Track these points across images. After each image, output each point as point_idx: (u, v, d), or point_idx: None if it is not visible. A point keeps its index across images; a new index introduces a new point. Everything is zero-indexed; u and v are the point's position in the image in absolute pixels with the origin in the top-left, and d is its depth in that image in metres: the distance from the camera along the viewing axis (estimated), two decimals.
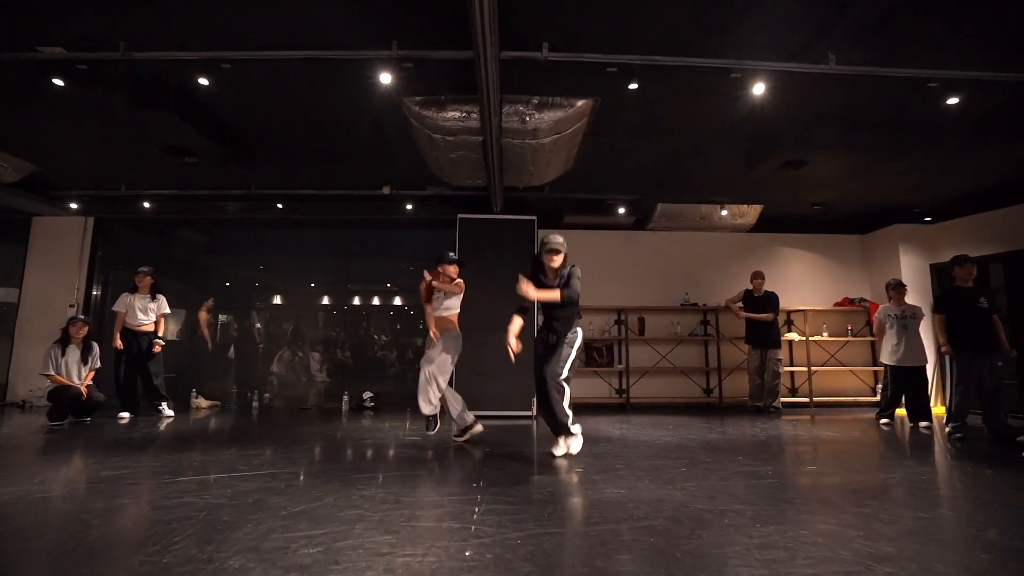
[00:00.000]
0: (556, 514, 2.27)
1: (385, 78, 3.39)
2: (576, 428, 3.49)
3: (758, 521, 2.18)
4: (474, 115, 4.07)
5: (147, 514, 2.22)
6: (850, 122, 4.23)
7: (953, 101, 3.58)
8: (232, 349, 9.08)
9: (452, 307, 4.22)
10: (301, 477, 2.87)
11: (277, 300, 11.91)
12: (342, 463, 3.27)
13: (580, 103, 4.05)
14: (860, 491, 2.69)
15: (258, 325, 8.83)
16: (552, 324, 3.51)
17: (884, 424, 5.17)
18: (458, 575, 1.64)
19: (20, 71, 3.47)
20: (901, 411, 5.30)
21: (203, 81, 3.46)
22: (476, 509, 2.32)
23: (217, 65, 3.29)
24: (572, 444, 3.49)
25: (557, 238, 3.43)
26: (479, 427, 4.10)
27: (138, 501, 2.41)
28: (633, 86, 3.50)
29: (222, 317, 9.53)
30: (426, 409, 4.04)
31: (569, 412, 3.41)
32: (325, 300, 12.90)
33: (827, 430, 4.86)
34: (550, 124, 4.14)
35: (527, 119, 4.08)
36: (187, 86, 3.66)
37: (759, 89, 3.44)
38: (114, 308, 5.43)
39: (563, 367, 3.39)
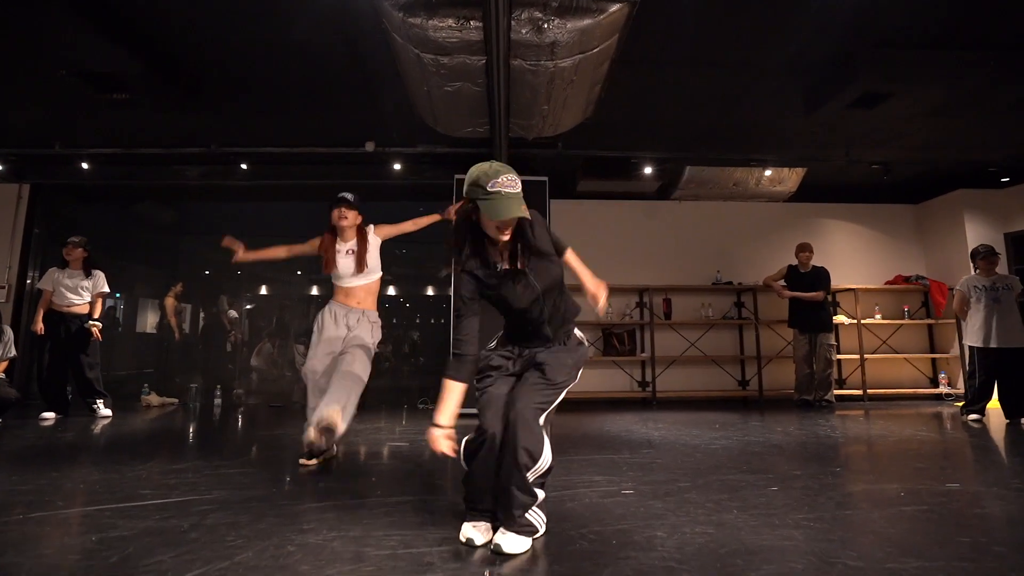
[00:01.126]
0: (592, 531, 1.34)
1: None
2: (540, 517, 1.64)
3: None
4: (474, 23, 3.11)
5: (28, 560, 1.29)
6: (950, 41, 3.32)
7: None
8: (202, 340, 8.15)
9: (375, 271, 2.96)
10: (221, 510, 1.93)
11: (263, 291, 10.96)
12: (294, 481, 2.35)
13: (613, 7, 3.09)
14: (961, 525, 1.77)
15: (232, 313, 7.88)
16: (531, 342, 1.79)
17: (973, 421, 4.26)
18: None
19: None
20: (994, 404, 4.38)
21: None
22: (489, 565, 1.39)
23: None
24: (512, 541, 1.51)
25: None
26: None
27: (25, 539, 1.48)
28: None
29: (187, 304, 8.59)
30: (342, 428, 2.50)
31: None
32: (314, 291, 11.96)
33: (909, 427, 3.95)
34: (573, 36, 3.18)
35: (544, 27, 3.12)
36: None
37: None
38: (39, 286, 4.50)
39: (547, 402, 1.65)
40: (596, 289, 1.83)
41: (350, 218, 2.91)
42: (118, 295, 7.17)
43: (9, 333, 4.20)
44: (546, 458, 1.61)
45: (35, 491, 2.15)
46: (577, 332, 1.88)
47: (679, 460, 2.80)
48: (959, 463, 2.85)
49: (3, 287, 5.49)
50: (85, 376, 4.41)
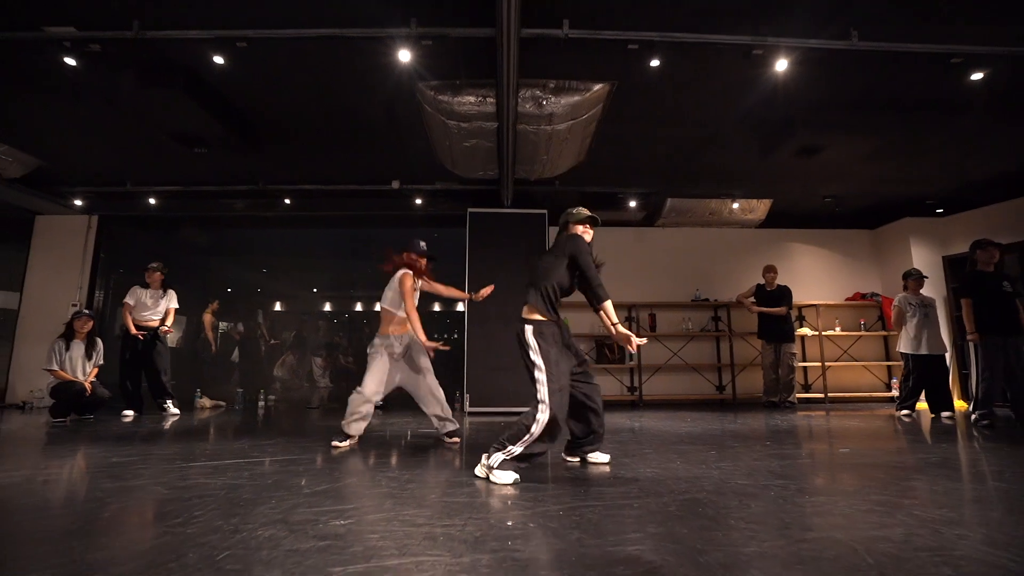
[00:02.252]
0: (593, 490, 2.17)
1: (404, 56, 3.32)
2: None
3: (804, 493, 2.08)
4: (490, 99, 4.01)
5: (163, 493, 2.11)
6: (868, 103, 4.18)
7: (977, 77, 3.54)
8: (236, 352, 8.97)
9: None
10: (319, 462, 2.75)
11: (278, 307, 11.81)
12: (358, 451, 3.16)
13: (597, 87, 4.00)
14: (903, 468, 2.59)
15: (262, 322, 8.71)
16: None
17: (905, 415, 5.07)
18: (504, 541, 1.54)
19: (27, 52, 3.41)
20: (922, 404, 5.19)
21: (218, 60, 3.40)
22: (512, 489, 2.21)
23: (233, 44, 3.22)
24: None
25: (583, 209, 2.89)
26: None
27: (152, 482, 2.29)
28: (654, 63, 3.44)
29: (223, 323, 9.42)
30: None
31: None
32: (328, 306, 12.81)
33: (848, 422, 4.75)
34: (566, 109, 4.08)
35: (543, 103, 4.02)
36: (200, 66, 3.60)
37: (781, 66, 3.39)
38: (125, 300, 5.34)
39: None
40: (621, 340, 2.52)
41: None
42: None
43: (100, 344, 5.02)
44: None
45: (182, 454, 2.97)
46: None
47: (649, 439, 3.61)
48: (867, 439, 3.65)
49: (75, 304, 6.33)
50: (160, 380, 5.23)
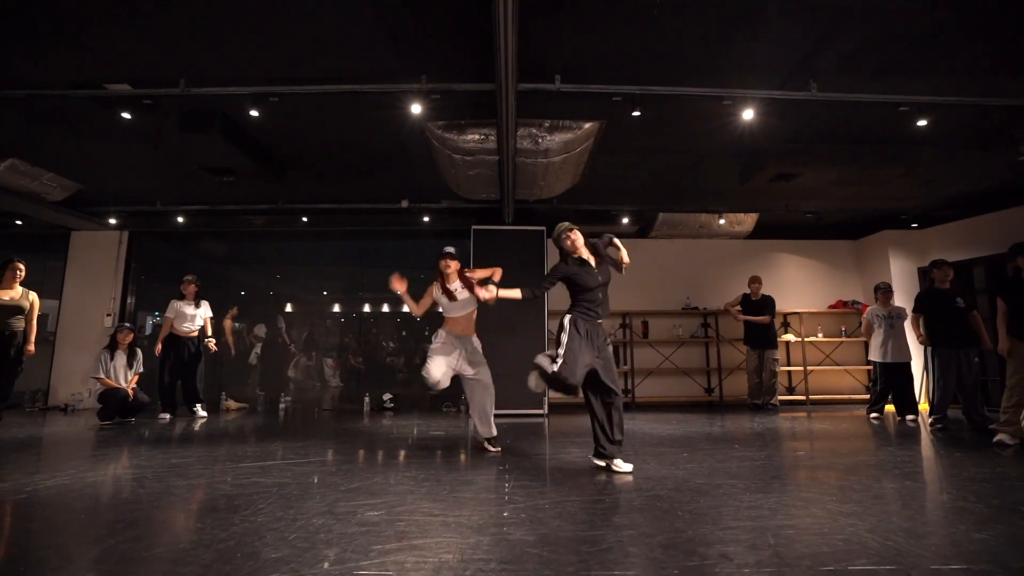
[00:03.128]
0: (575, 487, 2.65)
1: (415, 108, 3.79)
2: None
3: (748, 491, 2.55)
4: (492, 137, 4.48)
5: (227, 490, 2.60)
6: (835, 139, 4.63)
7: (922, 123, 3.97)
8: (254, 355, 9.49)
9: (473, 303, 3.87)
10: (348, 463, 3.25)
11: (289, 309, 12.33)
12: (379, 452, 3.65)
13: (587, 125, 4.45)
14: (841, 469, 3.06)
15: (281, 326, 9.22)
16: (597, 313, 3.18)
17: (874, 418, 5.53)
18: (502, 527, 2.02)
19: (86, 106, 3.90)
20: (890, 407, 5.65)
21: (254, 113, 3.88)
22: (507, 486, 2.69)
23: (266, 98, 3.69)
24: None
25: (563, 223, 3.32)
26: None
27: (214, 481, 2.79)
28: (636, 113, 3.90)
29: (239, 324, 9.94)
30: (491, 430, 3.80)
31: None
32: (336, 308, 13.32)
33: (820, 424, 5.21)
34: (560, 144, 4.54)
35: (539, 140, 4.48)
36: (235, 116, 4.08)
37: (748, 114, 3.84)
38: (166, 314, 5.85)
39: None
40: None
41: (452, 266, 3.90)
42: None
43: (140, 354, 5.54)
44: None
45: (227, 455, 3.47)
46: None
47: (633, 441, 4.09)
48: (827, 442, 4.11)
49: (109, 314, 6.86)
50: (195, 386, 5.76)
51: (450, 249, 3.95)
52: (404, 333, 11.71)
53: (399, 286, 3.80)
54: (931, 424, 4.72)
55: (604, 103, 3.96)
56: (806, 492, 2.54)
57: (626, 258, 3.30)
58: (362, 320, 13.38)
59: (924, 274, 7.01)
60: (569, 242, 3.23)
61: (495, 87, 3.53)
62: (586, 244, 3.28)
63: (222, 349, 8.70)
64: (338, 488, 2.60)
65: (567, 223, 3.29)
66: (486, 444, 3.76)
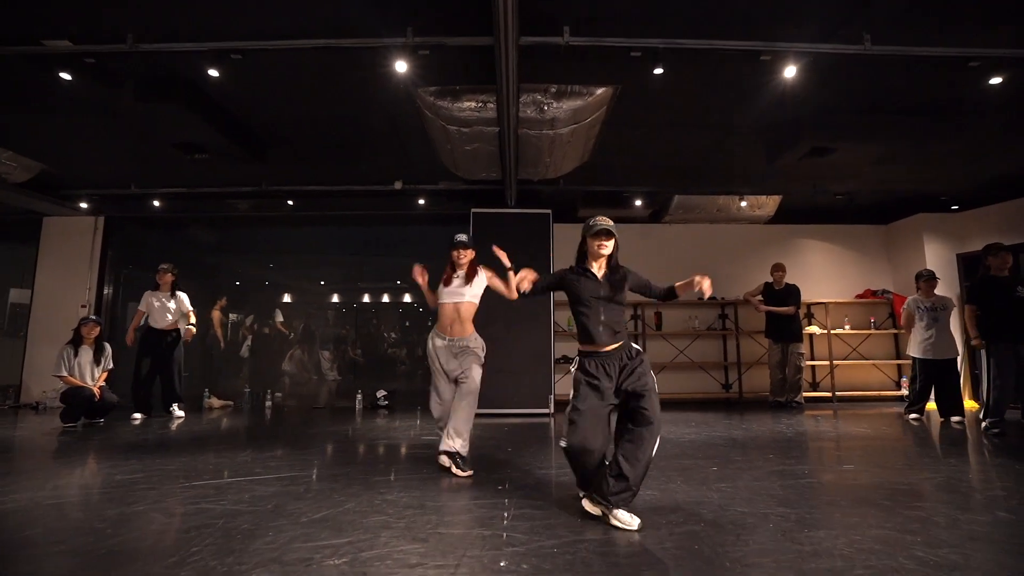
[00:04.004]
0: (590, 519, 2.15)
1: (400, 66, 3.26)
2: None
3: (805, 525, 2.05)
4: (490, 105, 3.94)
5: (163, 522, 2.13)
6: (882, 107, 4.07)
7: (995, 81, 3.41)
8: (245, 348, 9.05)
9: (476, 295, 3.30)
10: (320, 481, 2.77)
11: (287, 299, 11.89)
12: (361, 465, 3.18)
13: (600, 91, 3.91)
14: (905, 492, 2.55)
15: (280, 319, 8.76)
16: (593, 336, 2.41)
17: (913, 419, 5.01)
18: None
19: (25, 66, 3.39)
20: (931, 406, 5.13)
21: (213, 73, 3.36)
22: (505, 514, 2.21)
23: (227, 56, 3.18)
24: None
25: (607, 220, 2.53)
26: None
27: (154, 507, 2.32)
28: (658, 71, 3.35)
29: (233, 316, 9.50)
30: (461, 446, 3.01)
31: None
32: (335, 298, 12.88)
33: (854, 426, 4.71)
34: (568, 113, 4.00)
35: (545, 108, 3.95)
36: (196, 79, 3.57)
37: (790, 72, 3.29)
38: (140, 308, 5.40)
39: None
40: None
41: (466, 256, 3.32)
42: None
43: (108, 349, 5.08)
44: None
45: (183, 469, 3.01)
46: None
47: None
48: (871, 451, 3.61)
49: (85, 305, 6.41)
50: (173, 384, 5.30)
51: (462, 237, 3.35)
52: (407, 324, 11.27)
53: (420, 279, 3.30)
54: (986, 429, 4.19)
55: (620, 61, 3.41)
56: (877, 526, 2.04)
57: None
58: (361, 311, 12.93)
59: (964, 261, 6.44)
60: (597, 246, 2.50)
61: (493, 41, 3.00)
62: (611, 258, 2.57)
63: (210, 343, 8.30)
64: (299, 520, 2.12)
65: (609, 222, 2.51)
66: (452, 464, 2.95)
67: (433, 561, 1.72)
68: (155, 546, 1.88)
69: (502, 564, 1.70)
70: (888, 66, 3.38)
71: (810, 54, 3.19)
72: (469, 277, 3.29)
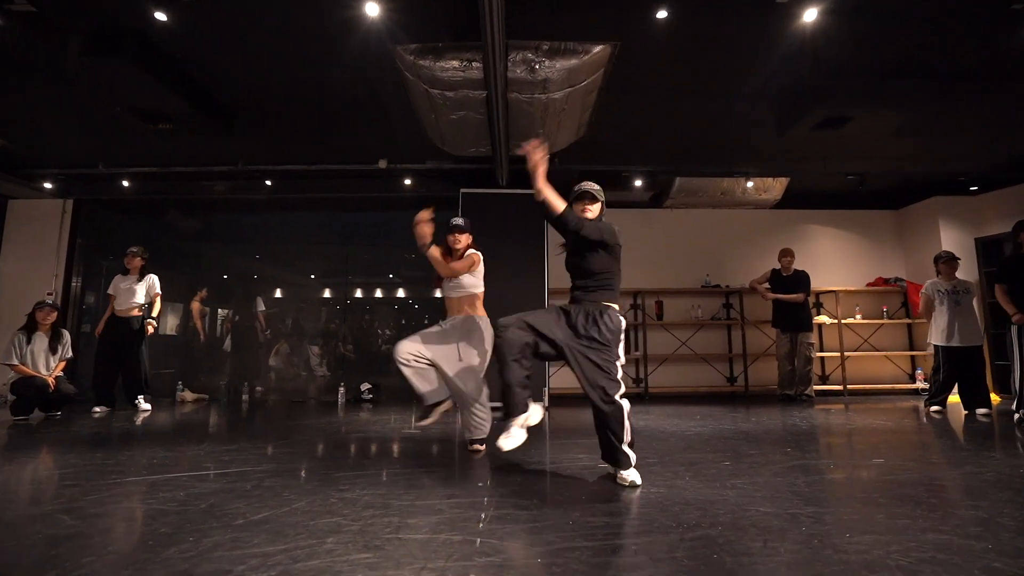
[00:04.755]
0: (583, 521, 1.79)
1: (372, 8, 2.90)
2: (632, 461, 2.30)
3: (843, 529, 1.69)
4: (476, 64, 3.57)
5: (67, 525, 1.76)
6: (905, 69, 3.72)
7: None
8: (228, 341, 8.67)
9: (474, 285, 3.15)
10: (273, 477, 2.40)
11: (277, 294, 11.51)
12: (326, 460, 2.81)
13: (597, 48, 3.54)
14: (953, 488, 2.20)
15: (261, 309, 8.35)
16: (584, 298, 2.42)
17: (935, 412, 4.65)
18: None
19: None
20: (953, 398, 4.77)
21: (160, 17, 2.99)
22: (483, 516, 1.85)
23: None
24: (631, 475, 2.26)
25: (591, 184, 2.56)
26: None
27: (66, 507, 1.95)
28: (661, 15, 2.99)
29: (221, 312, 9.12)
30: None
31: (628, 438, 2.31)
32: (326, 293, 12.50)
33: (872, 419, 4.35)
34: (563, 74, 3.64)
35: (536, 67, 3.58)
36: (145, 28, 3.20)
37: (809, 16, 2.93)
38: (108, 291, 5.05)
39: (617, 380, 2.30)
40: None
41: (463, 241, 3.17)
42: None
43: (67, 336, 4.71)
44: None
45: (121, 464, 2.64)
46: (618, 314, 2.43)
47: (654, 444, 3.23)
48: (899, 445, 3.25)
49: (51, 293, 6.03)
50: (137, 375, 4.91)
51: (459, 221, 3.21)
52: (403, 321, 10.92)
53: (425, 229, 2.98)
54: (1019, 421, 3.84)
55: (619, 10, 3.06)
56: (934, 531, 1.68)
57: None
58: (353, 305, 12.54)
59: (984, 246, 6.09)
60: (581, 210, 2.52)
61: None
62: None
63: (191, 335, 7.92)
64: (232, 523, 1.75)
65: (594, 186, 2.57)
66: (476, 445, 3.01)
67: (385, 573, 1.36)
68: (42, 556, 1.51)
69: None
70: (919, 13, 3.02)
71: None
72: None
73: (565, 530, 1.70)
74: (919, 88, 3.93)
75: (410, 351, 2.89)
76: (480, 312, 3.13)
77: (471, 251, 3.17)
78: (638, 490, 2.16)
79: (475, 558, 1.47)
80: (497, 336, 2.33)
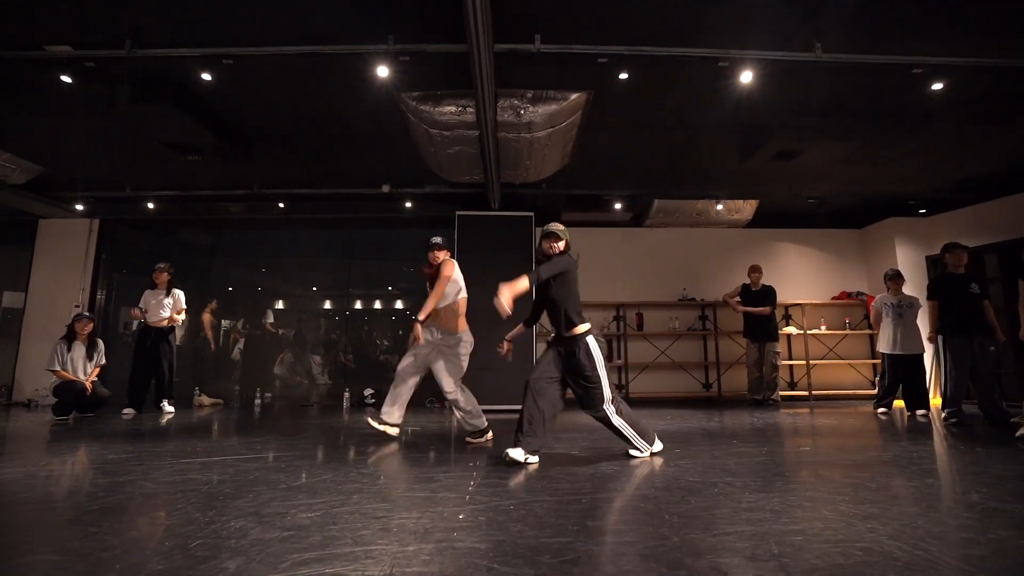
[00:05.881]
0: (549, 486, 2.32)
1: (382, 71, 3.47)
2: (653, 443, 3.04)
3: (747, 490, 2.22)
4: (470, 109, 4.15)
5: (151, 488, 2.27)
6: (839, 110, 4.31)
7: (938, 87, 3.65)
8: (237, 350, 9.16)
9: (456, 292, 3.65)
10: (301, 459, 2.92)
11: (279, 305, 12.00)
12: (341, 448, 3.33)
13: (574, 96, 4.13)
14: (850, 466, 2.73)
15: (271, 321, 8.86)
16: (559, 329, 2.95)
17: (882, 413, 5.19)
18: (450, 532, 1.70)
19: (27, 70, 3.58)
20: (899, 402, 5.32)
21: (206, 76, 3.56)
22: (471, 484, 2.37)
23: (219, 61, 3.38)
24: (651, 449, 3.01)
25: (556, 225, 3.01)
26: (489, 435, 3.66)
27: (143, 477, 2.46)
28: (623, 76, 3.58)
29: (226, 322, 9.62)
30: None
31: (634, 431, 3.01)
32: (327, 304, 13.00)
33: (825, 419, 4.88)
34: (545, 117, 4.22)
35: (522, 112, 4.16)
36: (189, 81, 3.76)
37: (747, 77, 3.51)
38: (139, 305, 5.56)
39: (604, 391, 2.91)
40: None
41: (441, 257, 3.69)
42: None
43: (101, 345, 5.21)
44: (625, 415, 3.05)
45: (171, 450, 3.15)
46: (589, 336, 2.94)
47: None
48: (833, 438, 3.78)
49: (77, 305, 6.53)
50: (163, 381, 5.42)
51: (437, 239, 3.70)
52: (400, 332, 11.39)
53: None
54: (945, 419, 4.39)
55: (590, 68, 3.64)
56: (813, 491, 2.21)
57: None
58: (353, 316, 13.05)
59: (933, 263, 6.69)
60: (547, 247, 3.01)
61: (468, 48, 3.21)
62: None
63: (201, 345, 8.41)
64: (277, 487, 2.27)
65: (559, 226, 3.01)
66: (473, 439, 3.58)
67: (398, 515, 1.88)
68: (143, 504, 2.03)
69: (461, 517, 1.86)
70: (839, 72, 3.62)
71: (764, 61, 3.42)
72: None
73: (534, 492, 2.22)
74: (853, 126, 4.52)
75: (404, 366, 3.57)
76: (463, 326, 3.62)
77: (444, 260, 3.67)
78: (599, 466, 2.68)
79: (465, 506, 2.00)
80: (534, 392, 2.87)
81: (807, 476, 2.50)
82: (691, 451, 3.15)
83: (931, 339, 4.52)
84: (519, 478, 2.48)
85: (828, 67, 3.53)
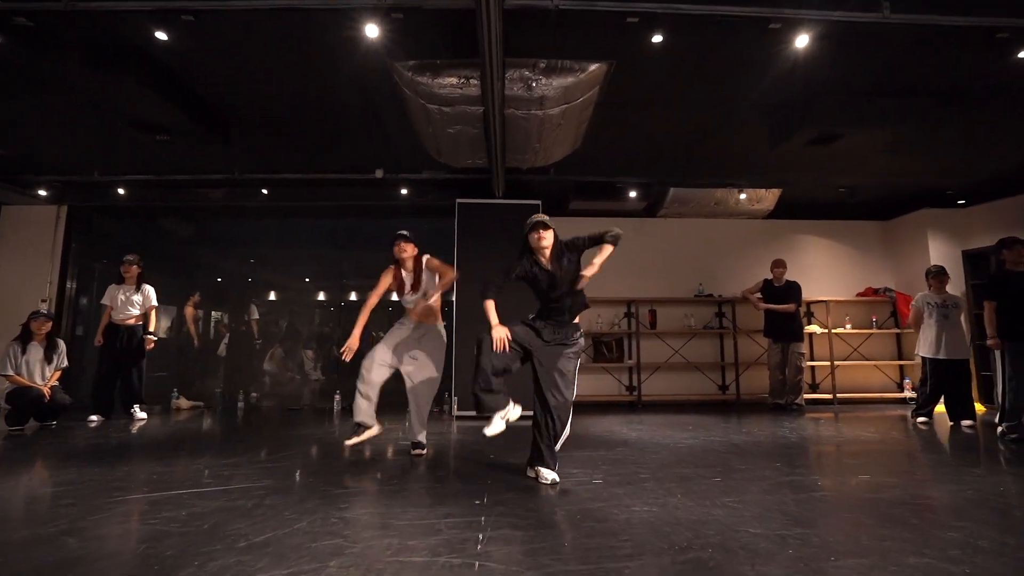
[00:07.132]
0: (579, 543, 1.84)
1: (371, 31, 2.95)
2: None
3: (831, 552, 1.75)
4: (473, 81, 3.62)
5: (73, 548, 1.79)
6: (896, 88, 3.81)
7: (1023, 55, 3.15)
8: (223, 347, 8.65)
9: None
10: (274, 494, 2.44)
11: (272, 296, 11.48)
12: (324, 475, 2.85)
13: (593, 67, 3.60)
14: (937, 508, 2.27)
15: (256, 317, 8.35)
16: (556, 318, 2.78)
17: (922, 423, 4.75)
18: None
19: None
20: (939, 408, 4.87)
21: (161, 36, 3.02)
22: (480, 536, 1.89)
23: (177, 17, 2.84)
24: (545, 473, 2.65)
25: (542, 215, 2.83)
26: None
27: (69, 528, 1.98)
28: (657, 39, 3.05)
29: (216, 314, 9.11)
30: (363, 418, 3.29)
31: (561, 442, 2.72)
32: (321, 296, 12.48)
33: (861, 430, 4.43)
34: (559, 91, 3.69)
35: (533, 85, 3.64)
36: (146, 45, 3.22)
37: (801, 42, 3.00)
38: (102, 301, 5.06)
39: (572, 389, 2.72)
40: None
41: (408, 251, 3.39)
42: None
43: (62, 346, 4.70)
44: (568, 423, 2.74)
45: (121, 480, 2.67)
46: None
47: (646, 457, 3.29)
48: (886, 459, 3.33)
49: (45, 300, 6.01)
50: (133, 384, 4.93)
51: (404, 232, 3.45)
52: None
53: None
54: (1002, 435, 3.93)
55: (614, 32, 3.12)
56: (916, 553, 1.74)
57: (592, 270, 2.72)
58: (347, 308, 12.53)
59: (970, 258, 6.21)
60: (536, 239, 2.75)
61: (474, 3, 2.69)
62: (554, 247, 2.77)
63: (184, 340, 7.91)
64: (235, 545, 1.79)
65: (545, 217, 2.81)
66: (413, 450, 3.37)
67: None
68: None
69: None
70: (906, 39, 3.10)
71: (823, 22, 2.91)
72: (417, 280, 3.39)
73: (561, 552, 1.75)
74: (906, 107, 4.01)
75: (377, 358, 3.33)
76: (439, 319, 3.50)
77: (425, 257, 3.44)
78: (632, 508, 2.21)
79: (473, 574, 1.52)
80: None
81: (894, 526, 2.03)
82: (734, 482, 2.67)
83: (994, 345, 4.05)
84: (537, 527, 2.01)
85: (892, 32, 3.02)
